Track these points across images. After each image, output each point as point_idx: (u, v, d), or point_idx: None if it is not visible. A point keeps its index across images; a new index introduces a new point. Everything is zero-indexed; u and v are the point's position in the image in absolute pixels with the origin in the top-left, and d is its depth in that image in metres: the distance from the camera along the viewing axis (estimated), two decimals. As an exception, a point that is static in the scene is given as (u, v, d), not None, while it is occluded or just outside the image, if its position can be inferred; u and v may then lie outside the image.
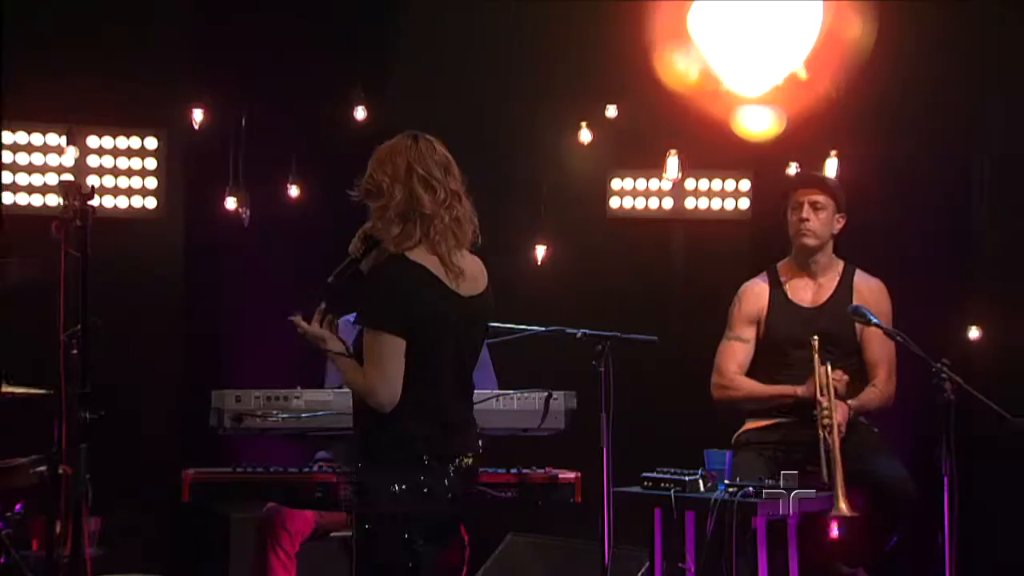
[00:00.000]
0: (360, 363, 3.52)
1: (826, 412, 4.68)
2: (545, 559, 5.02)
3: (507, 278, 6.15)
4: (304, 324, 3.61)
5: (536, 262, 6.25)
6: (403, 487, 3.46)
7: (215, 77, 6.08)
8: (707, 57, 6.04)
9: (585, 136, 6.30)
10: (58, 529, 4.98)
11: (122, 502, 5.35)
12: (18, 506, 4.86)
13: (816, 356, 4.76)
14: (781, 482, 4.50)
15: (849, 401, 4.85)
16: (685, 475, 4.41)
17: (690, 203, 6.53)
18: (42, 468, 4.75)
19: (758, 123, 6.09)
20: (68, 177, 6.09)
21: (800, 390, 4.82)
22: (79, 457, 3.50)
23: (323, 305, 3.60)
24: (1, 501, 4.76)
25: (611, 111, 6.22)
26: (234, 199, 5.94)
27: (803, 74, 5.96)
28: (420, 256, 3.55)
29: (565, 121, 6.32)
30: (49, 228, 4.16)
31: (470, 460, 3.59)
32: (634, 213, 6.53)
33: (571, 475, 4.39)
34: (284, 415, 4.01)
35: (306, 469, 4.22)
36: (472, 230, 3.65)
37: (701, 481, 4.43)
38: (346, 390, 4.59)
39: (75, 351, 4.87)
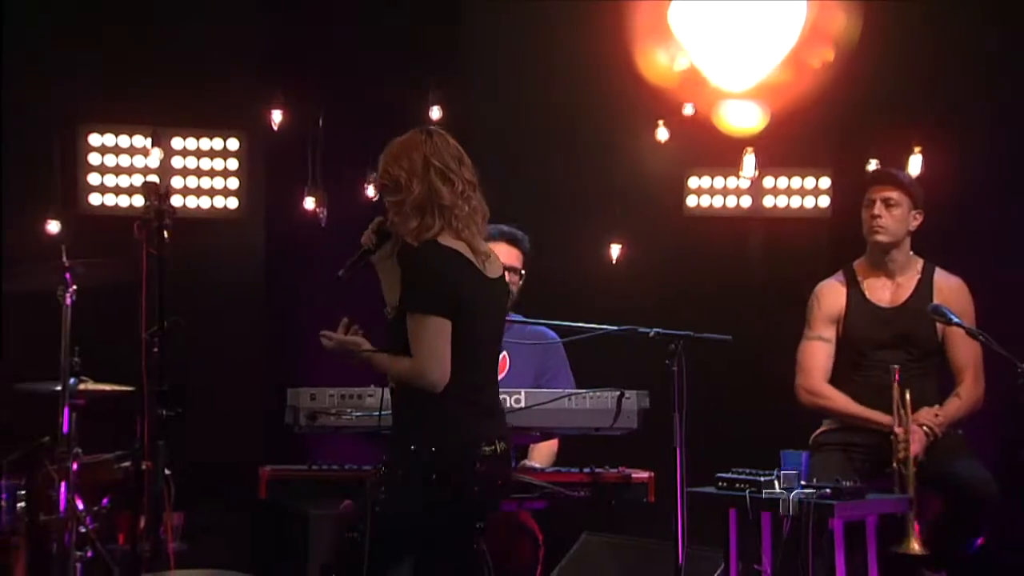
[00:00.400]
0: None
1: (902, 445, 4.61)
2: (620, 559, 5.00)
3: (581, 277, 6.24)
4: (330, 336, 3.71)
5: (611, 261, 6.24)
6: (439, 473, 3.54)
7: (294, 79, 6.15)
8: (690, 52, 5.99)
9: (662, 134, 6.28)
10: (142, 524, 5.11)
11: (206, 498, 5.45)
12: (105, 500, 4.97)
13: (896, 385, 4.68)
14: (859, 483, 4.46)
15: (932, 423, 4.75)
16: (760, 475, 4.37)
17: (768, 201, 6.47)
18: (126, 464, 4.87)
19: (743, 118, 6.05)
20: (153, 178, 6.23)
21: (889, 422, 4.73)
22: (158, 453, 3.58)
23: (345, 319, 3.70)
24: (88, 496, 4.87)
25: (688, 109, 6.19)
26: (312, 199, 6.01)
27: (785, 71, 5.91)
28: (449, 241, 3.64)
29: (642, 120, 6.29)
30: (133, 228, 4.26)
31: (504, 446, 3.66)
32: (711, 212, 6.49)
33: (644, 475, 4.38)
34: (358, 413, 4.04)
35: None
36: (484, 219, 3.75)
37: (777, 482, 4.39)
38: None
39: (156, 349, 5.01)
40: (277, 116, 6.07)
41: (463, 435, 3.60)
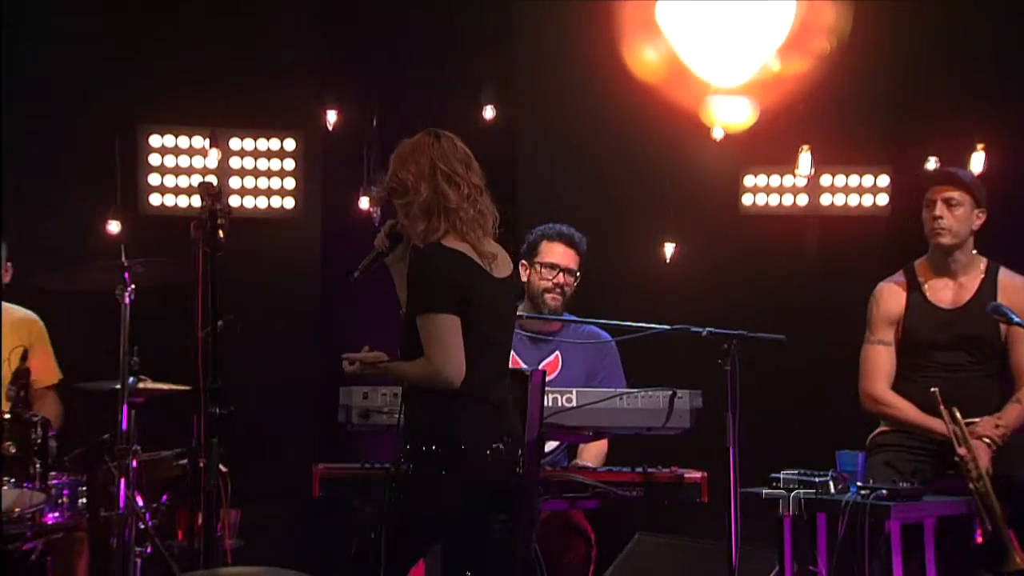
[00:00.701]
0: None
1: (970, 465, 4.53)
2: (673, 559, 4.98)
3: (635, 277, 6.22)
4: (352, 359, 3.79)
5: (665, 260, 6.22)
6: (450, 470, 3.61)
7: (349, 79, 6.19)
8: (677, 47, 5.95)
9: (718, 133, 6.24)
10: (199, 520, 5.17)
11: (263, 496, 5.51)
12: (164, 497, 5.03)
13: (943, 409, 4.60)
14: (917, 485, 4.41)
15: (993, 435, 4.67)
16: (815, 476, 4.34)
17: (826, 199, 6.42)
18: (183, 461, 4.93)
19: (732, 114, 5.99)
20: (211, 179, 6.30)
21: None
22: (212, 451, 3.63)
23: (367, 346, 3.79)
24: (148, 492, 4.94)
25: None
26: (367, 199, 6.05)
27: (775, 65, 5.84)
28: (453, 243, 3.71)
29: (698, 118, 6.25)
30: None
31: (511, 442, 3.73)
32: (767, 210, 6.44)
33: (697, 475, 4.37)
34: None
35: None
36: (493, 221, 3.80)
37: (832, 483, 4.35)
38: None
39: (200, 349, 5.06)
40: (332, 116, 6.12)
41: (474, 432, 3.67)
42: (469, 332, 3.65)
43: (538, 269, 4.92)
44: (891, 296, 5.00)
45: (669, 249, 6.21)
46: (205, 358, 3.94)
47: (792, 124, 6.15)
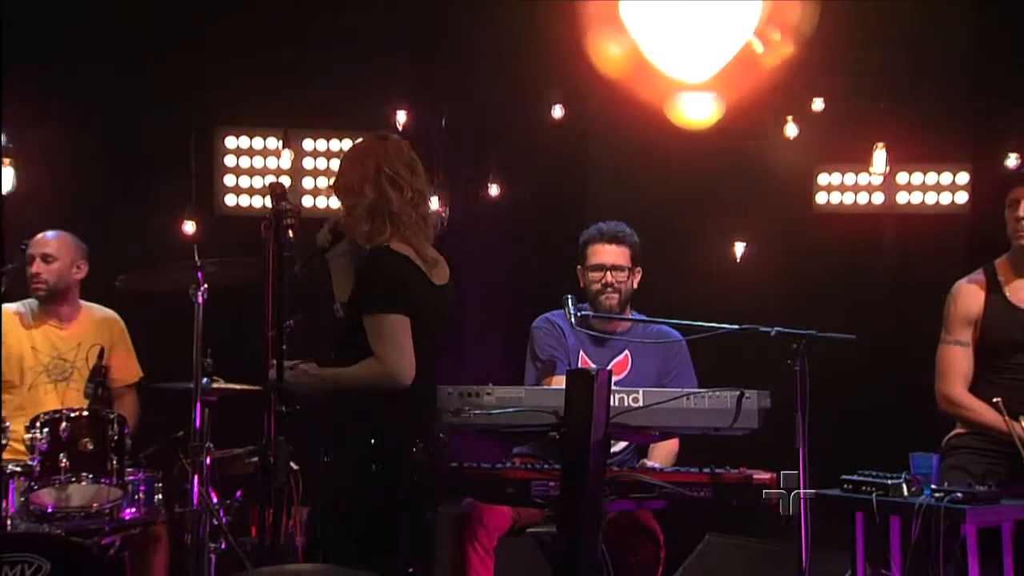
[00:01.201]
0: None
1: None
2: (743, 560, 4.95)
3: (705, 275, 6.18)
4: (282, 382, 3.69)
5: (735, 260, 6.16)
6: (376, 468, 3.71)
7: (419, 79, 6.23)
8: (641, 44, 5.88)
9: (791, 130, 6.18)
10: (270, 517, 5.22)
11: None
12: (238, 493, 5.09)
13: (1007, 420, 4.49)
14: (994, 488, 4.32)
15: None
16: (888, 478, 4.27)
17: (902, 198, 6.34)
18: (255, 459, 4.99)
19: (697, 110, 5.89)
20: (284, 179, 6.38)
21: None
22: (280, 449, 3.67)
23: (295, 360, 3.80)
24: (223, 489, 5.00)
25: (818, 104, 6.08)
26: (436, 198, 6.06)
27: (758, 47, 5.75)
28: (399, 247, 3.79)
29: (770, 115, 6.21)
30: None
31: (438, 441, 3.87)
32: (842, 209, 6.38)
33: (766, 476, 4.30)
34: (476, 411, 4.07)
35: (499, 465, 4.27)
36: (435, 226, 3.92)
37: (905, 485, 4.28)
38: (540, 387, 4.67)
39: (284, 347, 5.10)
40: (401, 116, 6.16)
41: (401, 430, 3.76)
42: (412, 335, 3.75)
43: (587, 273, 4.90)
44: (969, 295, 4.90)
45: (739, 248, 6.16)
46: (277, 357, 3.98)
47: (868, 121, 6.08)
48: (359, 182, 3.84)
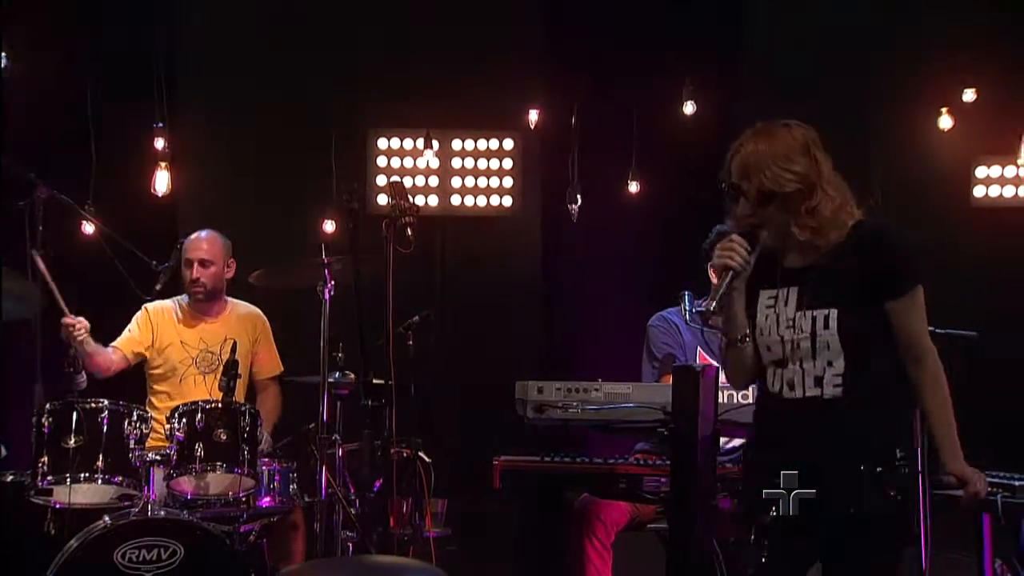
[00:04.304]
0: None
1: None
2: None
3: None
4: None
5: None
6: None
7: (559, 79, 6.26)
8: None
9: (946, 122, 5.97)
10: (404, 509, 5.33)
11: (474, 487, 5.61)
12: (376, 484, 5.20)
13: None
14: None
15: None
16: (1015, 479, 4.08)
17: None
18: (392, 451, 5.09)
19: None
20: (433, 179, 6.50)
21: None
22: (412, 443, 3.67)
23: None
24: (359, 480, 5.11)
25: (968, 95, 5.85)
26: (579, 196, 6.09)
27: None
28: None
29: (924, 107, 6.00)
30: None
31: None
32: (1001, 202, 6.12)
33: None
34: (585, 406, 4.06)
35: (611, 460, 4.25)
36: None
37: (1034, 487, 4.07)
38: (649, 384, 4.63)
39: (410, 343, 5.21)
40: (533, 116, 6.19)
41: None
42: None
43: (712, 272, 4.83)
44: None
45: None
46: (395, 353, 4.06)
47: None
48: (813, 168, 3.39)
